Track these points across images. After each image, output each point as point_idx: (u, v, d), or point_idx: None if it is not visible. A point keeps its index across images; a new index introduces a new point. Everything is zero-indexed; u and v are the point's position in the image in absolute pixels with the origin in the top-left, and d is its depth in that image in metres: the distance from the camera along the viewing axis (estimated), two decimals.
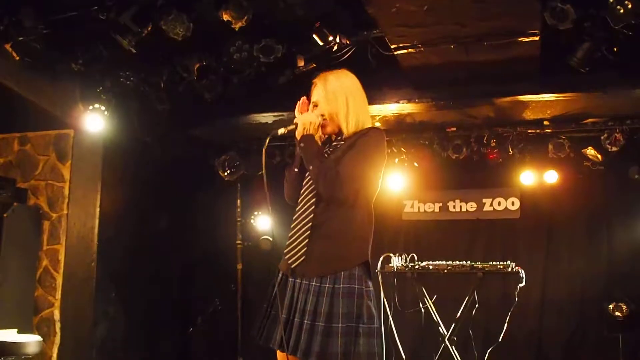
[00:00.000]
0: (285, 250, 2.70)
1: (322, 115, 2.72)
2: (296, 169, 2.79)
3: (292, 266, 2.64)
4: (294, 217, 2.72)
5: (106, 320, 6.22)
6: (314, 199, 2.66)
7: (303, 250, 2.61)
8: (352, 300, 2.53)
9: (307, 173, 2.71)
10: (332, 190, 2.58)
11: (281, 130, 2.73)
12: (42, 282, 5.60)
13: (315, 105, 2.76)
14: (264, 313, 2.75)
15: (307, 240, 2.61)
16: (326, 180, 2.57)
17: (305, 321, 2.51)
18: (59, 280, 5.58)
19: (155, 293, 6.87)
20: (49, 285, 5.58)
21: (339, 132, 2.76)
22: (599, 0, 4.25)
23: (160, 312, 6.97)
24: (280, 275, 2.75)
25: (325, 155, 2.70)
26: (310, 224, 2.63)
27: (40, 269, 5.62)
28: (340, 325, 2.48)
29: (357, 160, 2.61)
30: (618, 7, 4.06)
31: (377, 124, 6.44)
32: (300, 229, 2.66)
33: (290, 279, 2.66)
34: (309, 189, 2.70)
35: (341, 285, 2.54)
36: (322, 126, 2.72)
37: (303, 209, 2.69)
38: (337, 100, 2.72)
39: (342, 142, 2.73)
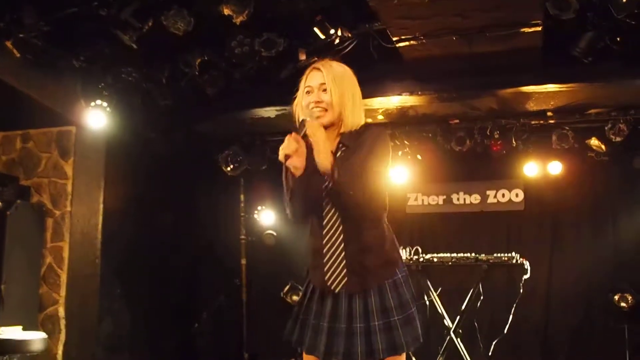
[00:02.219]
0: (321, 270, 2.52)
1: (319, 103, 2.50)
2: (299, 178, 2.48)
3: (335, 288, 2.50)
4: (322, 234, 2.53)
5: (111, 316, 6.24)
6: (342, 226, 2.50)
7: (344, 272, 2.48)
8: (400, 291, 2.54)
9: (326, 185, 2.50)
10: (366, 206, 2.47)
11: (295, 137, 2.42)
12: (47, 279, 5.60)
13: (324, 90, 2.51)
14: (301, 320, 2.61)
15: (345, 260, 2.49)
16: (364, 196, 2.43)
17: (358, 324, 2.47)
18: (64, 277, 5.58)
19: (160, 289, 6.89)
20: (53, 282, 5.59)
21: (335, 126, 2.54)
22: None
23: (165, 307, 6.98)
24: (313, 287, 2.61)
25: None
26: (344, 242, 2.50)
27: (45, 266, 5.62)
28: (397, 318, 2.47)
29: (379, 168, 2.49)
30: None
31: (380, 117, 6.43)
32: (332, 247, 2.52)
33: (327, 295, 2.54)
34: (334, 214, 2.52)
35: (386, 282, 2.52)
36: (318, 117, 2.50)
37: (329, 224, 2.52)
38: (345, 88, 2.53)
39: (344, 144, 2.53)
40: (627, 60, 5.04)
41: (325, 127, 2.51)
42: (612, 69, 5.16)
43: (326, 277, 2.49)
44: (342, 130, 2.54)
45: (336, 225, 2.52)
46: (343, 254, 2.50)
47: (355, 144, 2.51)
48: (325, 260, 2.51)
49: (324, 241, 2.53)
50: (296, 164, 2.40)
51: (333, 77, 2.52)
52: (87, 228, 5.77)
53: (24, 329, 4.79)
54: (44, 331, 5.18)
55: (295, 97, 2.63)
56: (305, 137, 2.46)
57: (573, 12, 4.21)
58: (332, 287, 2.49)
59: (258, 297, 7.25)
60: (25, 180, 5.77)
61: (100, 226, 5.85)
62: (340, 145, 2.54)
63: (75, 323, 5.60)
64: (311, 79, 2.56)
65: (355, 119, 2.54)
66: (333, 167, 2.39)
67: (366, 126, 2.58)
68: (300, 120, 2.49)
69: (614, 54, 4.89)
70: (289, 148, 2.38)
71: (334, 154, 2.51)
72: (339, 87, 2.51)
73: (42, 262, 5.62)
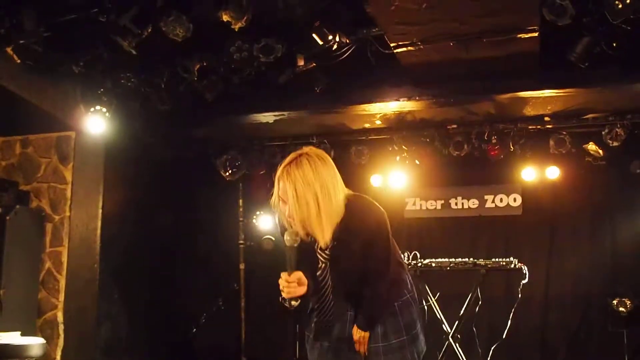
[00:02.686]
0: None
1: (291, 218, 2.50)
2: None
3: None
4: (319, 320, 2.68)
5: (109, 321, 6.24)
6: (331, 287, 2.64)
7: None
8: (411, 310, 2.70)
9: (322, 282, 2.64)
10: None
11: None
12: (45, 284, 5.61)
13: (284, 202, 2.51)
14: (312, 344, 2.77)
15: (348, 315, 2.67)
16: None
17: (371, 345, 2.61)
18: (62, 282, 5.59)
19: (158, 293, 6.89)
20: (52, 287, 5.59)
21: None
22: None
23: (164, 312, 6.99)
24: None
25: (325, 262, 2.61)
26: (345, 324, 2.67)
27: (43, 271, 5.62)
28: (405, 337, 2.62)
29: (386, 256, 2.61)
30: (616, 2, 4.06)
31: (378, 122, 6.44)
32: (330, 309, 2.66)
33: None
34: (329, 301, 2.65)
35: (395, 305, 2.66)
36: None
37: (327, 317, 2.68)
38: (309, 201, 2.45)
39: (334, 243, 2.56)
40: (624, 65, 5.07)
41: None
42: (608, 74, 5.18)
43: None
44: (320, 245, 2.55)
45: (328, 279, 2.63)
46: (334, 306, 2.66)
47: (343, 234, 2.52)
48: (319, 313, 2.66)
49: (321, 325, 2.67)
50: (301, 294, 2.50)
51: (294, 195, 2.45)
52: (86, 233, 5.78)
53: (22, 335, 4.79)
54: (43, 336, 5.19)
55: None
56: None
57: (569, 18, 4.23)
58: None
59: (256, 301, 7.25)
60: (24, 185, 5.78)
61: (99, 231, 5.86)
62: (331, 239, 2.55)
63: (73, 328, 5.60)
64: (280, 188, 2.52)
65: (326, 231, 2.49)
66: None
67: (348, 213, 2.54)
68: (285, 239, 2.50)
69: (610, 59, 4.92)
70: (290, 294, 2.47)
71: (326, 246, 2.56)
72: (302, 205, 2.44)
73: (41, 267, 5.63)
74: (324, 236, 2.49)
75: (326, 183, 2.49)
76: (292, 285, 2.44)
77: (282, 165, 2.54)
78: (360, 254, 2.53)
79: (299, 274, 2.47)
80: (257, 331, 7.07)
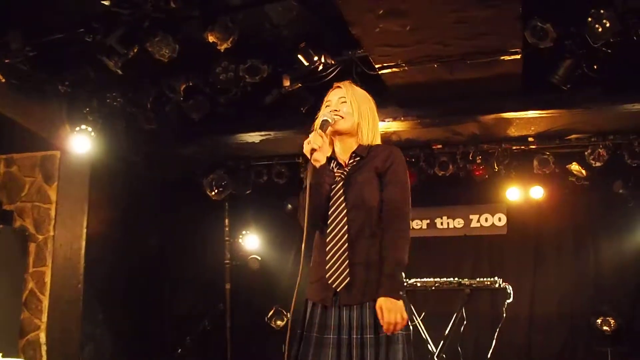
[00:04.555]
0: (324, 276, 2.58)
1: (337, 111, 2.67)
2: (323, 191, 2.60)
3: (337, 289, 2.56)
4: (326, 242, 2.61)
5: (93, 342, 6.17)
6: (346, 226, 2.58)
7: (346, 277, 2.55)
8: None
9: (335, 194, 2.62)
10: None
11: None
12: (28, 305, 5.54)
13: (342, 102, 2.71)
14: (300, 338, 2.63)
15: (348, 268, 2.55)
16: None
17: (355, 336, 2.53)
18: (45, 303, 5.53)
19: (143, 314, 6.83)
20: (35, 307, 5.53)
21: (351, 136, 2.71)
22: (578, 19, 4.33)
23: (149, 333, 6.92)
24: (311, 303, 2.66)
25: (341, 175, 2.65)
26: (347, 252, 2.56)
27: (26, 291, 5.56)
28: (381, 335, 2.53)
29: (404, 188, 2.72)
30: (597, 25, 4.14)
31: None
32: (337, 255, 2.57)
33: (329, 307, 2.60)
34: (339, 213, 2.60)
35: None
36: (335, 121, 2.65)
37: (335, 233, 2.60)
38: (363, 104, 2.73)
39: (358, 154, 2.68)
40: (605, 87, 5.15)
41: (340, 134, 2.68)
42: (590, 95, 5.26)
43: (327, 275, 2.55)
44: (360, 142, 2.70)
45: (340, 235, 2.59)
46: (349, 266, 2.55)
47: (368, 156, 2.67)
48: (327, 258, 2.57)
49: (327, 248, 2.58)
50: (319, 158, 2.54)
51: (352, 93, 2.74)
52: (70, 253, 5.73)
53: (3, 356, 4.73)
54: (25, 358, 5.13)
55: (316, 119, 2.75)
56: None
57: (551, 41, 4.31)
58: (334, 286, 2.54)
59: (242, 321, 7.21)
60: (8, 204, 5.73)
61: (83, 251, 5.81)
62: (354, 154, 2.70)
63: (57, 349, 5.53)
64: (332, 95, 2.78)
65: (370, 134, 2.72)
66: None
67: (390, 148, 2.73)
68: (323, 119, 2.61)
69: (592, 81, 5.00)
70: (316, 143, 2.53)
71: (347, 162, 2.69)
72: (357, 102, 2.72)
73: (24, 287, 5.56)
74: (369, 133, 2.69)
75: (374, 108, 2.79)
76: (319, 137, 2.53)
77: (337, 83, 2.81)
78: (379, 179, 2.63)
79: (325, 137, 2.57)
80: (243, 351, 7.03)
